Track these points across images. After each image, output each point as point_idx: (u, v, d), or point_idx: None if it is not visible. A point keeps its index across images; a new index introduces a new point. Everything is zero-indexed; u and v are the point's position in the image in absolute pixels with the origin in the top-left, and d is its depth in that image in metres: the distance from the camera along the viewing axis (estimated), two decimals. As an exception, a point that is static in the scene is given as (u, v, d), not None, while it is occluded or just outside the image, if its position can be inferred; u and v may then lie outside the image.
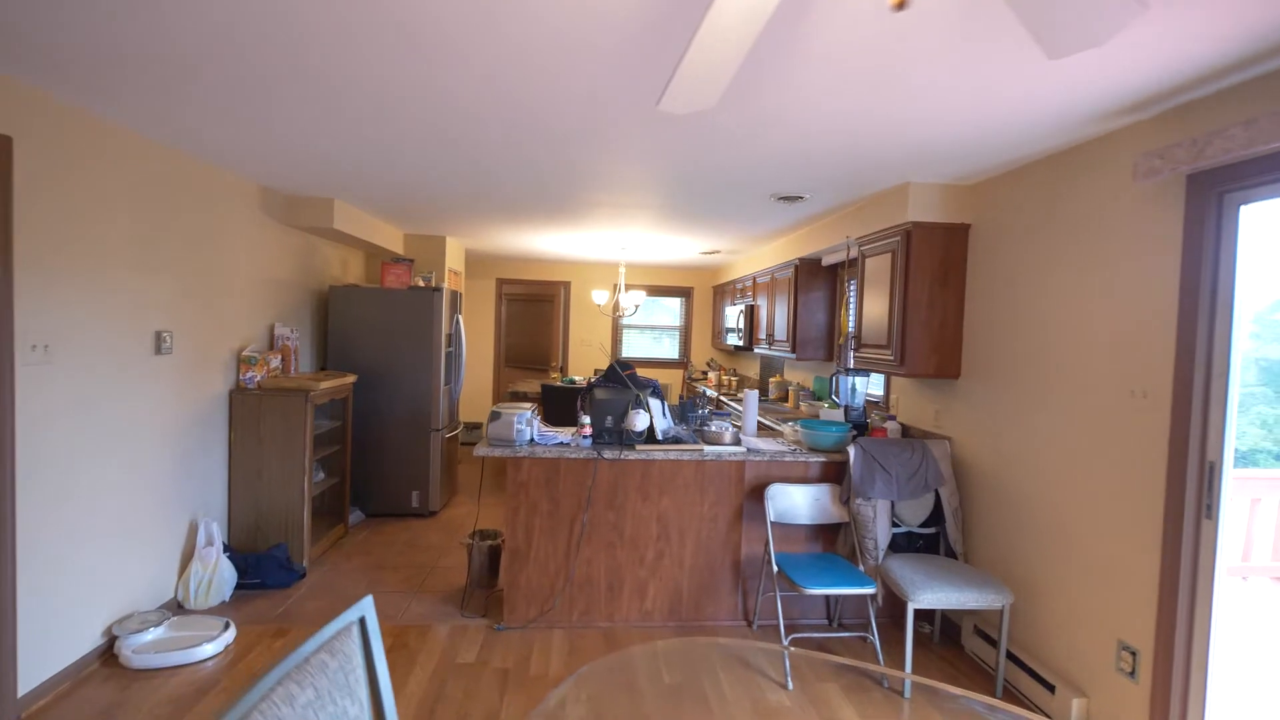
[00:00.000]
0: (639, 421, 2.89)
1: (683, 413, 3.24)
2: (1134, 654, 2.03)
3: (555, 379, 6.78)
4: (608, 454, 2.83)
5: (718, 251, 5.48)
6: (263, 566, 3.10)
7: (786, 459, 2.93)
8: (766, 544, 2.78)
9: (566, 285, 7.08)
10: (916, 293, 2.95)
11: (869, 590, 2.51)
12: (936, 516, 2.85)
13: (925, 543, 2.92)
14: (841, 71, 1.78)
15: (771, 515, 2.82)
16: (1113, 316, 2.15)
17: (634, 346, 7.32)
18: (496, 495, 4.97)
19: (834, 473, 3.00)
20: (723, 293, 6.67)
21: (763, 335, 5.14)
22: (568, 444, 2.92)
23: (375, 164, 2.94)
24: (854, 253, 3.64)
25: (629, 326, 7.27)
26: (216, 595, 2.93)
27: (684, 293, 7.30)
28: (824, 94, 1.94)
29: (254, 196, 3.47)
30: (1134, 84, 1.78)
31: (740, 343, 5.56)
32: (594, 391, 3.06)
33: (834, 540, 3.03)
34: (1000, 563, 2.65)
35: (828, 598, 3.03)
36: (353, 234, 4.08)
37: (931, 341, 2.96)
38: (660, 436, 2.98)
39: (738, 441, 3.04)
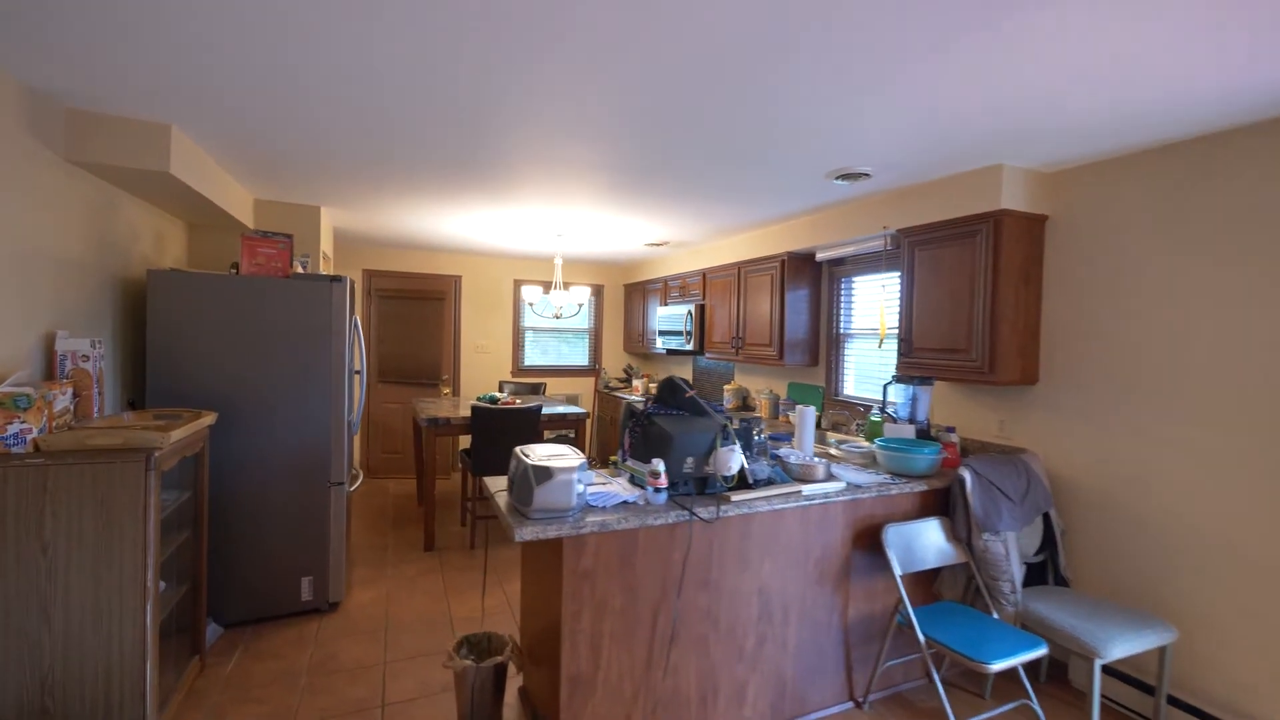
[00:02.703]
0: (733, 462, 2.10)
1: (745, 441, 2.50)
2: (1352, 686, 1.85)
3: (446, 394, 5.49)
4: (703, 512, 1.99)
5: (666, 243, 4.79)
6: (74, 793, 1.64)
7: (892, 492, 2.38)
8: (899, 603, 2.19)
9: (457, 280, 5.76)
10: (1005, 291, 2.61)
11: (1044, 652, 2.06)
12: (1045, 542, 2.54)
13: (1029, 572, 2.59)
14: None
15: (898, 567, 2.25)
16: (1295, 316, 1.96)
17: (540, 352, 6.26)
18: (401, 566, 3.68)
19: (933, 503, 2.53)
20: (643, 291, 5.99)
21: (721, 338, 4.58)
22: (633, 502, 2.01)
23: (248, 63, 1.70)
24: (889, 244, 3.24)
25: (531, 329, 6.20)
26: None
27: (594, 291, 6.45)
28: (987, 55, 1.40)
29: (12, 104, 1.89)
30: None
31: (687, 346, 4.93)
32: (655, 422, 2.18)
33: (930, 584, 2.56)
34: (1129, 591, 2.39)
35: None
36: (195, 188, 2.57)
37: (1018, 345, 2.65)
38: (751, 479, 2.22)
39: (831, 475, 2.40)
